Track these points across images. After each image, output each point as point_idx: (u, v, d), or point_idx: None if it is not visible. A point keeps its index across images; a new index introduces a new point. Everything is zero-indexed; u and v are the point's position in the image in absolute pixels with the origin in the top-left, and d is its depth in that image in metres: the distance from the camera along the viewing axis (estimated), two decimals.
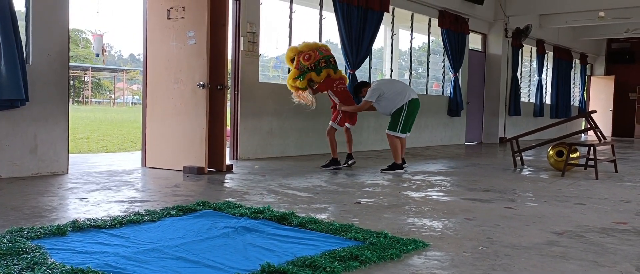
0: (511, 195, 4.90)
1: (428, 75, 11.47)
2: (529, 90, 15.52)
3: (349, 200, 4.45)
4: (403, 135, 6.31)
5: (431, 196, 4.77)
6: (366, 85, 6.61)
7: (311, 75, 6.40)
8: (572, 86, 17.16)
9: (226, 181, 5.43)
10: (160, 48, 6.18)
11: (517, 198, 4.74)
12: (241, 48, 7.31)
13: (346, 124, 6.64)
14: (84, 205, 3.97)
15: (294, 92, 6.62)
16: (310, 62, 6.37)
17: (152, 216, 3.48)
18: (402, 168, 6.37)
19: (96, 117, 20.10)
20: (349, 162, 6.74)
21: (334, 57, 6.64)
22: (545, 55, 14.99)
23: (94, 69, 36.39)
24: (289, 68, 6.66)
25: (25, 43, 5.27)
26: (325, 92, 6.62)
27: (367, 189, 5.07)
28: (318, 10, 8.62)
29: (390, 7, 9.59)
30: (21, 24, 5.21)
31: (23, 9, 5.36)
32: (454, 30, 11.14)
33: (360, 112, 6.69)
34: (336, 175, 6.00)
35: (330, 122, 6.61)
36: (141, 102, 6.66)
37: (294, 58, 6.49)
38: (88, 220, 3.31)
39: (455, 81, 11.53)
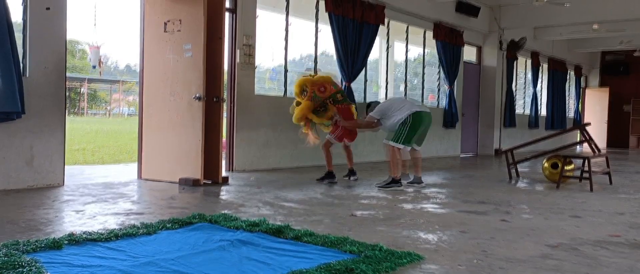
0: (506, 207, 4.92)
1: (423, 87, 11.51)
2: (524, 102, 15.59)
3: (344, 212, 4.47)
4: (402, 146, 6.02)
5: (426, 208, 4.79)
6: (377, 104, 6.52)
7: (333, 109, 6.31)
8: (567, 98, 17.25)
9: (222, 193, 5.43)
10: (157, 61, 6.20)
11: (512, 211, 4.76)
12: (237, 60, 7.35)
13: (345, 141, 6.64)
14: (79, 218, 3.97)
15: (303, 126, 6.43)
16: (326, 95, 6.27)
17: (148, 229, 3.49)
18: (399, 184, 6.04)
19: (92, 128, 20.08)
20: (351, 178, 6.74)
21: (344, 91, 6.68)
22: (540, 67, 15.08)
23: (90, 81, 36.36)
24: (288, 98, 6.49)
25: (22, 55, 5.28)
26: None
27: (363, 201, 5.09)
28: (314, 23, 8.67)
29: (386, 20, 9.66)
30: (18, 36, 5.22)
31: (20, 21, 5.37)
32: (449, 42, 11.22)
33: (360, 128, 6.66)
34: (332, 187, 6.02)
35: (328, 134, 6.57)
36: (137, 113, 6.66)
37: (304, 89, 6.26)
38: (84, 232, 3.32)
39: (451, 93, 11.58)
